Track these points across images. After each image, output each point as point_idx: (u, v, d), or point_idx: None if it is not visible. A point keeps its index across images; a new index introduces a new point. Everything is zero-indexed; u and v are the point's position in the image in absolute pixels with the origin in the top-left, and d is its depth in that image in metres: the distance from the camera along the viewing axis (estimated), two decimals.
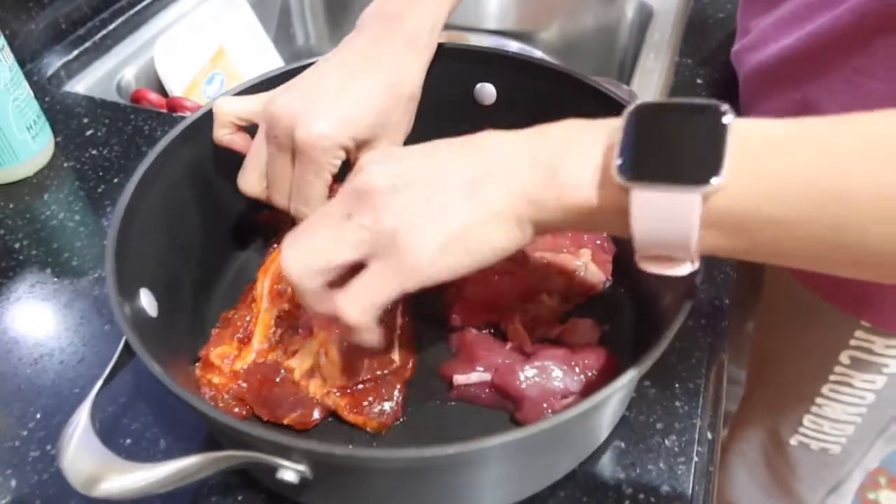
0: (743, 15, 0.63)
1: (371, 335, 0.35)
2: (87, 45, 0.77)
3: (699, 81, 0.70)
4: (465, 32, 1.00)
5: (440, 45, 0.51)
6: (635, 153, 0.29)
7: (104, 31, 0.79)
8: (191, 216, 0.48)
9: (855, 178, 0.27)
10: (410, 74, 0.46)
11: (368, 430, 0.42)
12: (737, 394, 0.76)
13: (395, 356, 0.43)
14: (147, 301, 0.41)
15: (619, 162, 0.29)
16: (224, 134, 0.47)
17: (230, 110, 0.47)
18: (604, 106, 0.47)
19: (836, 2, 0.48)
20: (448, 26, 1.07)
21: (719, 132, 0.28)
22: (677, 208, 0.28)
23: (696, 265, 0.31)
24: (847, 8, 0.48)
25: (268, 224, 0.53)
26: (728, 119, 0.29)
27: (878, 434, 0.65)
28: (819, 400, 0.63)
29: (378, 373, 0.42)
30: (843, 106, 0.50)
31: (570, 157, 0.31)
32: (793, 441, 0.68)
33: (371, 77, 0.44)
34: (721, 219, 0.29)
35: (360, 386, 0.42)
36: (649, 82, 0.72)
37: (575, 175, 0.31)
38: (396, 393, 0.42)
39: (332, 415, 0.43)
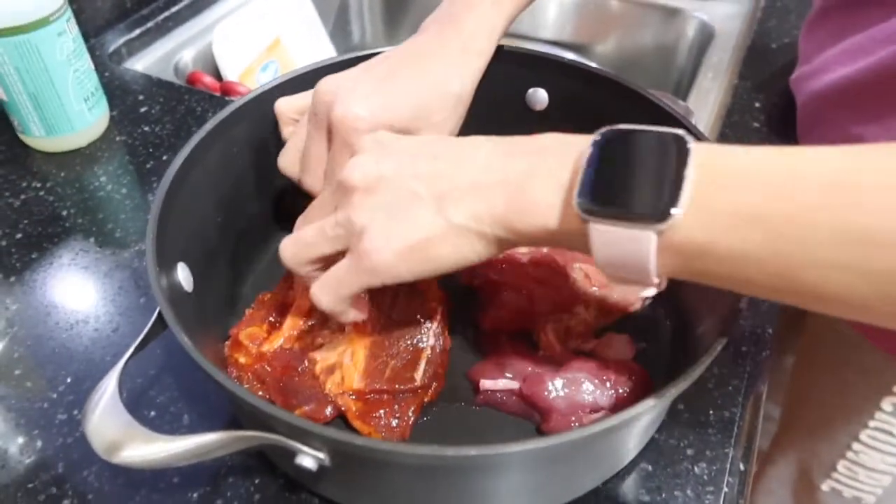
0: (806, 43, 0.61)
1: (348, 317, 0.39)
2: (149, 24, 0.79)
3: (757, 105, 0.68)
4: (521, 40, 1.00)
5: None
6: (595, 185, 0.30)
7: (167, 13, 0.81)
8: (233, 197, 0.49)
9: (814, 215, 0.26)
10: (459, 74, 0.45)
11: None
12: (770, 431, 0.74)
13: (418, 376, 0.42)
14: (184, 276, 0.41)
15: (579, 193, 0.30)
16: (290, 132, 0.48)
17: (288, 107, 0.48)
18: (658, 119, 0.46)
19: None
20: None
21: (679, 164, 0.28)
22: (633, 242, 0.29)
23: (663, 286, 0.31)
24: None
25: None
26: (690, 146, 0.28)
27: None
28: (856, 446, 0.61)
29: (397, 387, 0.41)
30: None
31: (538, 180, 0.32)
32: (824, 486, 0.66)
33: (418, 71, 0.44)
34: (677, 248, 0.29)
35: (376, 396, 0.41)
36: (705, 102, 0.71)
37: (540, 198, 0.32)
38: (410, 413, 0.41)
39: (342, 415, 0.42)
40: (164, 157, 0.62)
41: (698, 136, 0.43)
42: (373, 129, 0.42)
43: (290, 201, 0.54)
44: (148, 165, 0.62)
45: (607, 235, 0.29)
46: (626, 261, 0.30)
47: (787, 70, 0.64)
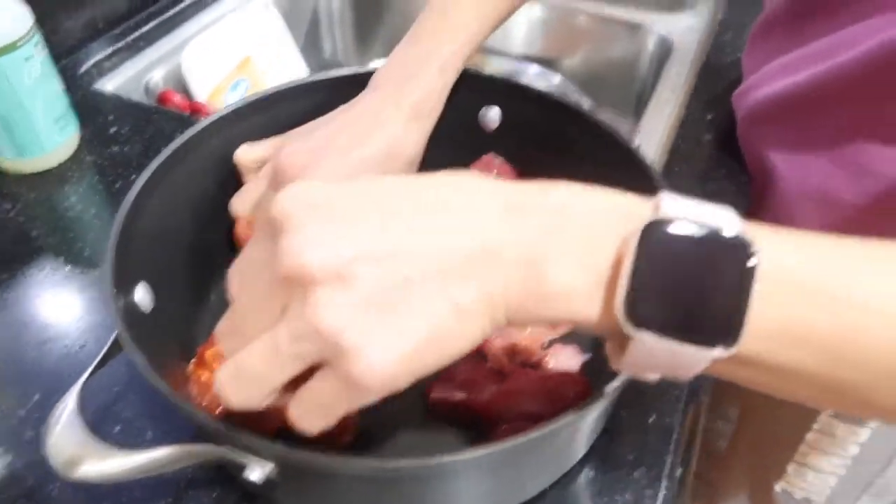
0: (748, 59, 0.63)
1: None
2: (120, 44, 0.80)
3: (708, 118, 0.70)
4: (492, 56, 1.02)
5: None
6: (646, 299, 0.25)
7: (138, 33, 0.82)
8: (197, 218, 0.50)
9: (876, 342, 0.25)
10: (412, 141, 0.48)
11: None
12: (728, 433, 0.76)
13: None
14: (145, 296, 0.43)
15: (626, 302, 0.25)
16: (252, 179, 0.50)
17: (250, 159, 0.50)
18: (602, 140, 0.48)
19: (846, 49, 0.47)
20: None
21: (744, 285, 0.25)
22: (683, 356, 0.26)
23: None
24: (853, 58, 0.47)
25: None
26: (754, 261, 0.25)
27: (863, 489, 0.64)
28: (803, 448, 0.63)
29: None
30: (833, 163, 0.50)
31: (565, 260, 0.26)
32: (777, 487, 0.68)
33: (375, 141, 0.46)
34: (724, 357, 0.26)
35: None
36: (661, 116, 0.73)
37: (569, 285, 0.26)
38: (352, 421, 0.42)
39: None
40: (133, 177, 0.63)
41: (647, 166, 0.46)
42: None
43: None
44: (117, 185, 0.63)
45: (654, 346, 0.26)
46: (667, 367, 0.27)
47: (739, 84, 0.67)
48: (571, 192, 0.28)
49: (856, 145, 0.49)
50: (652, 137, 0.69)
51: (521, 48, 1.01)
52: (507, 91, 0.53)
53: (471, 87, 0.53)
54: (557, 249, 0.26)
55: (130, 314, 0.39)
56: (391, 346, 0.26)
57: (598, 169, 0.47)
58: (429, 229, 0.27)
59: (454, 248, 0.26)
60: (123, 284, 0.40)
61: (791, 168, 0.52)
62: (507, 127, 0.54)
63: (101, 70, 0.78)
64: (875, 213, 0.49)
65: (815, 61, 0.50)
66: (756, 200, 0.61)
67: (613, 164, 0.46)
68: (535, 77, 1.00)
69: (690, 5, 0.91)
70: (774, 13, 0.58)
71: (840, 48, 0.48)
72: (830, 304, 0.26)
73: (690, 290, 0.25)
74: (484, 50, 1.02)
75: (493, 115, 0.54)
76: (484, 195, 0.28)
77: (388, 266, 0.26)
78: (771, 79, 0.55)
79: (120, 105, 0.72)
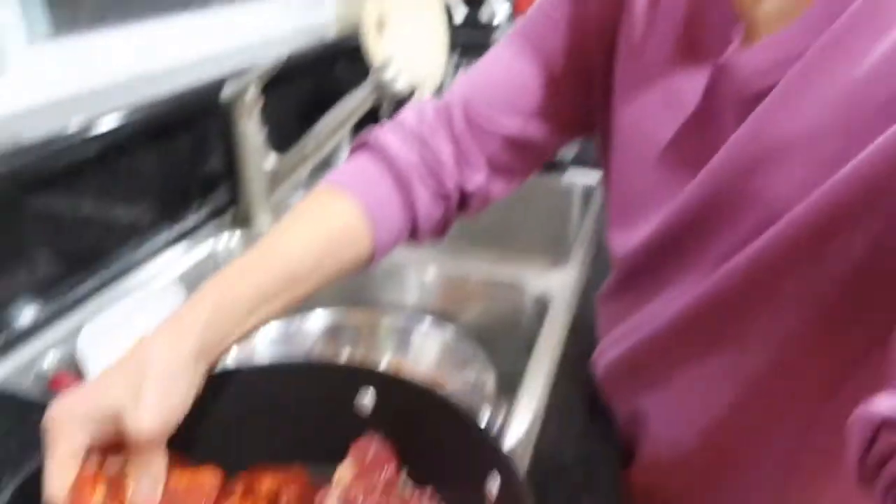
0: (600, 322, 0.70)
1: None
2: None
3: (583, 374, 0.76)
4: (383, 311, 1.09)
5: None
6: None
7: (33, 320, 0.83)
8: None
9: None
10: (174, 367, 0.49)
11: None
12: None
13: None
14: None
15: None
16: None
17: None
18: (459, 425, 0.51)
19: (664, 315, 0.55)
20: (368, 303, 1.13)
21: None
22: None
23: None
24: (666, 321, 0.54)
25: None
26: None
27: None
28: None
29: None
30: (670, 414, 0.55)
31: None
32: None
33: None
34: None
35: None
36: (538, 372, 0.78)
37: None
38: None
39: None
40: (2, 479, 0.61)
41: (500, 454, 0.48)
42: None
43: None
44: None
45: None
46: None
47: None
48: None
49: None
50: (533, 393, 0.74)
51: (415, 303, 1.09)
52: (380, 379, 0.57)
53: (346, 377, 0.57)
54: None
55: None
56: None
57: (459, 454, 0.50)
58: None
59: None
60: None
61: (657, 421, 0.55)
62: (382, 409, 0.57)
63: None
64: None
65: (657, 319, 0.56)
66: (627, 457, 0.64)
67: (471, 450, 0.50)
68: (428, 329, 1.06)
69: (562, 264, 1.02)
70: (615, 280, 0.66)
71: (656, 319, 0.56)
72: None
73: None
74: (379, 305, 1.09)
75: (367, 401, 0.57)
76: None
77: None
78: (616, 343, 0.61)
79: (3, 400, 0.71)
